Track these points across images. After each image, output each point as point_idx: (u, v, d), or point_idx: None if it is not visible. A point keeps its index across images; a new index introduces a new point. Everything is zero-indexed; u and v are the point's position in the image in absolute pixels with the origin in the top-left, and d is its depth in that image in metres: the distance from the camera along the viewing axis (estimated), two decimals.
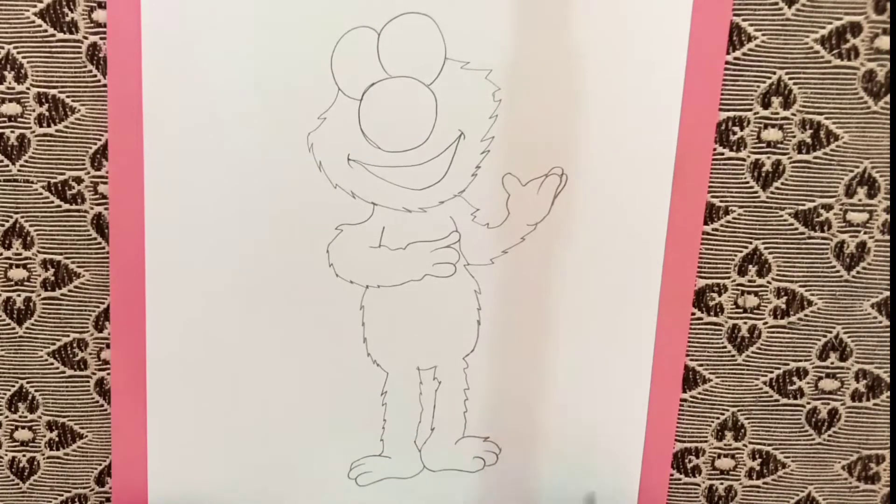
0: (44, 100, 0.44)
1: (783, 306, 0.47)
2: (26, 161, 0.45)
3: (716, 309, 0.47)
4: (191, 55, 0.43)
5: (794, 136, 0.45)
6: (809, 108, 0.44)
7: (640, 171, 0.45)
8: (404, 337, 0.47)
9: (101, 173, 0.45)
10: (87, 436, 0.48)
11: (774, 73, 0.44)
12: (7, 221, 0.45)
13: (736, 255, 0.46)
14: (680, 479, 0.49)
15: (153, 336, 0.46)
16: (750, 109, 0.44)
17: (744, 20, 0.43)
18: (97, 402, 0.48)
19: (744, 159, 0.45)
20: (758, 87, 0.44)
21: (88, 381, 0.47)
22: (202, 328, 0.46)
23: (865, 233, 0.46)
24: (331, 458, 0.48)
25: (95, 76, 0.44)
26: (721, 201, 0.46)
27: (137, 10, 0.43)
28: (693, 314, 0.47)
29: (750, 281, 0.47)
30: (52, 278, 0.46)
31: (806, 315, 0.47)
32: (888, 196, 0.46)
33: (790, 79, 0.44)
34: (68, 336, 0.47)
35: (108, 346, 0.47)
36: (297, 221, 0.45)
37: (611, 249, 0.46)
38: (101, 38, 0.43)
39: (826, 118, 0.45)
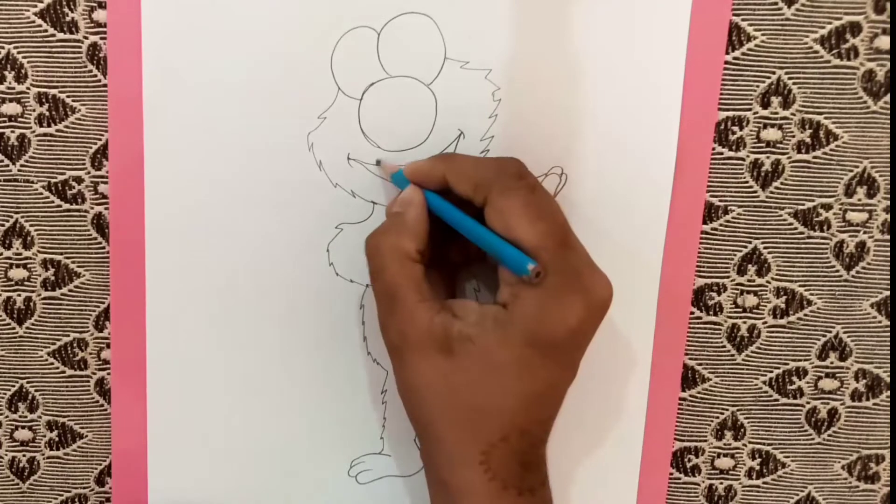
0: (44, 100, 0.44)
1: (782, 306, 0.47)
2: (26, 161, 0.45)
3: (715, 308, 0.47)
4: (191, 55, 0.43)
5: (794, 136, 0.45)
6: (809, 107, 0.45)
7: (640, 170, 0.45)
8: None
9: (102, 173, 0.45)
10: (87, 436, 0.48)
11: (774, 72, 0.44)
12: (7, 221, 0.45)
13: (735, 255, 0.46)
14: (679, 479, 0.49)
15: (153, 336, 0.46)
16: (749, 109, 0.45)
17: (743, 20, 0.43)
18: (97, 402, 0.48)
19: (743, 159, 0.45)
20: (757, 86, 0.44)
21: (88, 381, 0.47)
22: (202, 328, 0.46)
23: (865, 232, 0.46)
24: (331, 455, 0.48)
25: (95, 76, 0.44)
26: (720, 201, 0.46)
27: (137, 10, 0.43)
28: (692, 313, 0.47)
29: (749, 280, 0.47)
30: (53, 278, 0.46)
31: (805, 315, 0.47)
32: (888, 196, 0.46)
33: (790, 79, 0.44)
34: (68, 336, 0.47)
35: (108, 346, 0.47)
36: (297, 221, 0.45)
37: (610, 248, 0.46)
38: (102, 38, 0.43)
39: (826, 118, 0.45)
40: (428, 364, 0.39)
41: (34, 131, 0.44)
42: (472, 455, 0.39)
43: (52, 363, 0.47)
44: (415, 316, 0.39)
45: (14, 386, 0.47)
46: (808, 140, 0.45)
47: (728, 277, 0.47)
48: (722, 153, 0.45)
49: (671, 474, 0.49)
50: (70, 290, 0.46)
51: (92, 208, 0.45)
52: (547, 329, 0.38)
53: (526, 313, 0.38)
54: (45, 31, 0.43)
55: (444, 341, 0.39)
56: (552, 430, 0.41)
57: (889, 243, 0.46)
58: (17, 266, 0.46)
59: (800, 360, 0.48)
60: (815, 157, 0.45)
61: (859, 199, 0.46)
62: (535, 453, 0.41)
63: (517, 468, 0.40)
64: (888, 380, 0.48)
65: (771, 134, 0.45)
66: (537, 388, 0.39)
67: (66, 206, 0.45)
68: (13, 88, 0.44)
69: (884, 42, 0.44)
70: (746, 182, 0.45)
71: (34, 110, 0.44)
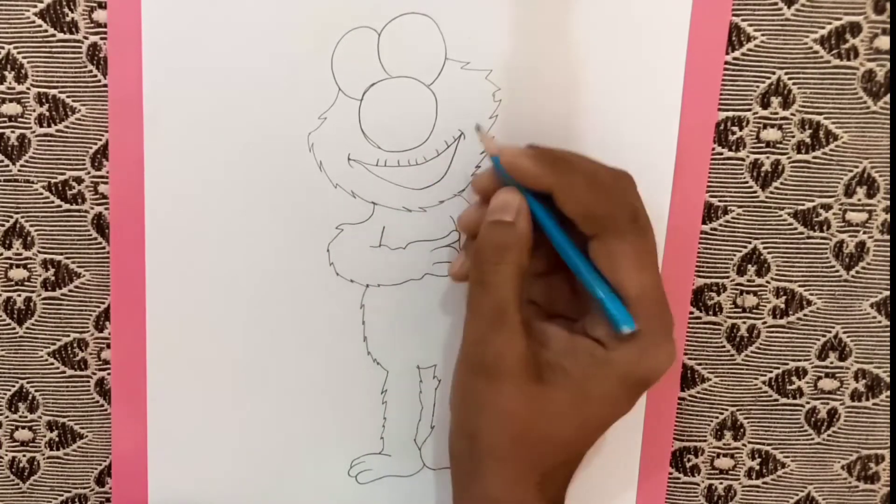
0: (44, 100, 0.44)
1: (782, 306, 0.47)
2: (26, 161, 0.45)
3: (714, 308, 0.47)
4: (191, 55, 0.43)
5: (794, 136, 0.45)
6: (809, 108, 0.45)
7: (640, 170, 0.45)
8: (404, 335, 0.47)
9: (102, 173, 0.45)
10: (87, 436, 0.48)
11: (774, 73, 0.44)
12: (7, 221, 0.45)
13: (735, 255, 0.46)
14: (679, 479, 0.49)
15: (153, 336, 0.46)
16: (749, 109, 0.45)
17: (743, 20, 0.43)
18: (97, 402, 0.48)
19: (743, 159, 0.45)
20: (757, 87, 0.44)
21: (88, 381, 0.47)
22: (202, 328, 0.46)
23: (865, 233, 0.46)
24: (331, 456, 0.48)
25: (96, 76, 0.44)
26: (720, 201, 0.46)
27: (137, 10, 0.43)
28: (692, 313, 0.47)
29: (749, 280, 0.47)
30: (53, 278, 0.46)
31: (805, 315, 0.47)
32: (887, 196, 0.46)
33: (789, 79, 0.44)
34: (68, 336, 0.47)
35: (108, 346, 0.47)
36: (297, 221, 0.45)
37: None
38: (102, 39, 0.43)
39: (825, 118, 0.45)
40: (518, 391, 0.39)
41: (34, 131, 0.44)
42: (532, 477, 0.39)
43: (52, 363, 0.47)
44: (516, 338, 0.39)
45: (14, 386, 0.47)
46: (807, 140, 0.45)
47: (728, 277, 0.47)
48: (722, 153, 0.45)
49: (671, 474, 0.49)
50: (70, 290, 0.46)
51: (92, 208, 0.45)
52: (644, 371, 0.39)
53: (629, 354, 0.39)
54: (45, 31, 0.43)
55: (535, 369, 0.39)
56: None
57: (889, 243, 0.46)
58: (18, 266, 0.46)
59: (799, 360, 0.48)
60: (814, 158, 0.45)
61: (859, 200, 0.46)
62: (574, 471, 0.42)
63: (563, 487, 0.41)
64: (888, 380, 0.48)
65: (771, 134, 0.45)
66: (610, 421, 0.40)
67: (66, 206, 0.45)
68: (13, 88, 0.44)
69: (884, 42, 0.44)
70: (746, 182, 0.45)
71: (34, 110, 0.44)
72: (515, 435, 0.39)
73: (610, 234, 0.39)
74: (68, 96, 0.44)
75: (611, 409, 0.40)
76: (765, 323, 0.47)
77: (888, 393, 0.48)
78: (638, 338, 0.39)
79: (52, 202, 0.45)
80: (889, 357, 0.48)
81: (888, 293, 0.47)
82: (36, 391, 0.48)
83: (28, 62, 0.43)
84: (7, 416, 0.48)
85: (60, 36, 0.43)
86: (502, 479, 0.40)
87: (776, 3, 0.43)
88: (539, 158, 0.39)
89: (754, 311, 0.47)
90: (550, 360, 0.39)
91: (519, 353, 0.39)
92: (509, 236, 0.39)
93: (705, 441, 0.49)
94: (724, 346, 0.48)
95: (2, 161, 0.44)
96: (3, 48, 0.43)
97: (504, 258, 0.39)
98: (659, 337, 0.39)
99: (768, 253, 0.46)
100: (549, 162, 0.39)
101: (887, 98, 0.44)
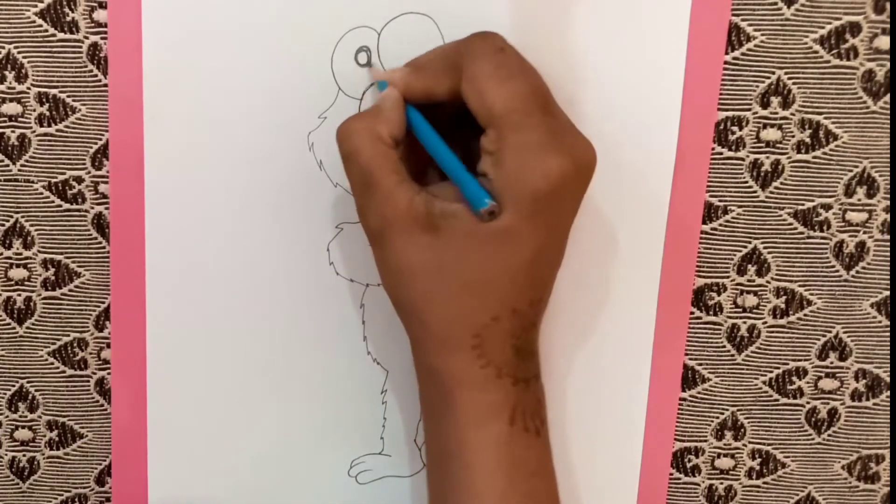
0: (44, 99, 0.44)
1: (782, 306, 0.47)
2: (27, 161, 0.45)
3: (715, 308, 0.47)
4: (191, 55, 0.43)
5: (794, 136, 0.45)
6: (808, 107, 0.45)
7: (640, 170, 0.45)
8: (404, 335, 0.46)
9: (102, 173, 0.45)
10: (87, 436, 0.48)
11: (773, 72, 0.44)
12: (7, 221, 0.45)
13: (735, 255, 0.46)
14: (679, 479, 0.49)
15: (153, 336, 0.46)
16: (749, 109, 0.45)
17: (743, 20, 0.43)
18: (97, 402, 0.48)
19: (743, 159, 0.45)
20: (757, 86, 0.44)
21: (88, 381, 0.47)
22: (202, 328, 0.46)
23: (865, 232, 0.46)
24: (331, 456, 0.48)
25: (96, 76, 0.44)
26: (720, 201, 0.46)
27: (138, 10, 0.43)
28: (692, 313, 0.47)
29: (749, 280, 0.47)
30: (53, 278, 0.46)
31: (805, 315, 0.47)
32: (887, 196, 0.46)
33: (789, 79, 0.44)
34: (68, 336, 0.47)
35: (108, 345, 0.47)
36: (297, 220, 0.45)
37: (610, 248, 0.46)
38: (102, 38, 0.43)
39: (825, 118, 0.45)
40: (413, 244, 0.38)
41: (34, 131, 0.44)
42: (465, 338, 0.39)
43: (52, 363, 0.47)
44: (394, 196, 0.38)
45: (14, 386, 0.47)
46: (807, 140, 0.45)
47: (728, 277, 0.47)
48: (721, 153, 0.45)
49: (671, 474, 0.49)
50: (70, 290, 0.46)
51: (92, 208, 0.45)
52: (529, 185, 0.37)
53: (507, 174, 0.38)
54: (46, 31, 0.43)
55: (427, 219, 0.38)
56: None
57: (889, 243, 0.46)
58: (18, 266, 0.46)
59: (800, 360, 0.48)
60: (814, 157, 0.45)
61: (859, 199, 0.46)
62: (528, 338, 0.40)
63: (511, 354, 0.39)
64: (888, 380, 0.48)
65: (770, 134, 0.45)
66: (525, 257, 0.38)
67: (67, 205, 0.45)
68: (13, 88, 0.44)
69: (883, 42, 0.44)
70: (746, 182, 0.45)
71: (34, 110, 0.44)
72: (428, 287, 0.39)
73: (468, 62, 0.39)
74: (68, 96, 0.44)
75: (513, 244, 0.38)
76: (765, 323, 0.47)
77: (888, 393, 0.48)
78: (518, 153, 0.37)
79: (52, 202, 0.45)
80: (889, 357, 0.48)
81: (888, 293, 0.47)
82: (36, 391, 0.48)
83: (28, 62, 0.43)
84: (7, 416, 0.48)
85: (61, 36, 0.43)
86: (433, 344, 0.39)
87: (776, 3, 0.43)
88: (407, 69, 0.41)
89: (754, 311, 0.47)
90: (445, 208, 0.38)
91: (401, 208, 0.38)
92: (365, 111, 0.41)
93: (706, 441, 0.49)
94: (724, 346, 0.48)
95: (2, 161, 0.45)
96: (3, 48, 0.43)
97: (357, 125, 0.40)
98: (543, 148, 0.37)
99: (768, 253, 0.46)
100: (413, 69, 0.41)
101: (887, 98, 0.44)
